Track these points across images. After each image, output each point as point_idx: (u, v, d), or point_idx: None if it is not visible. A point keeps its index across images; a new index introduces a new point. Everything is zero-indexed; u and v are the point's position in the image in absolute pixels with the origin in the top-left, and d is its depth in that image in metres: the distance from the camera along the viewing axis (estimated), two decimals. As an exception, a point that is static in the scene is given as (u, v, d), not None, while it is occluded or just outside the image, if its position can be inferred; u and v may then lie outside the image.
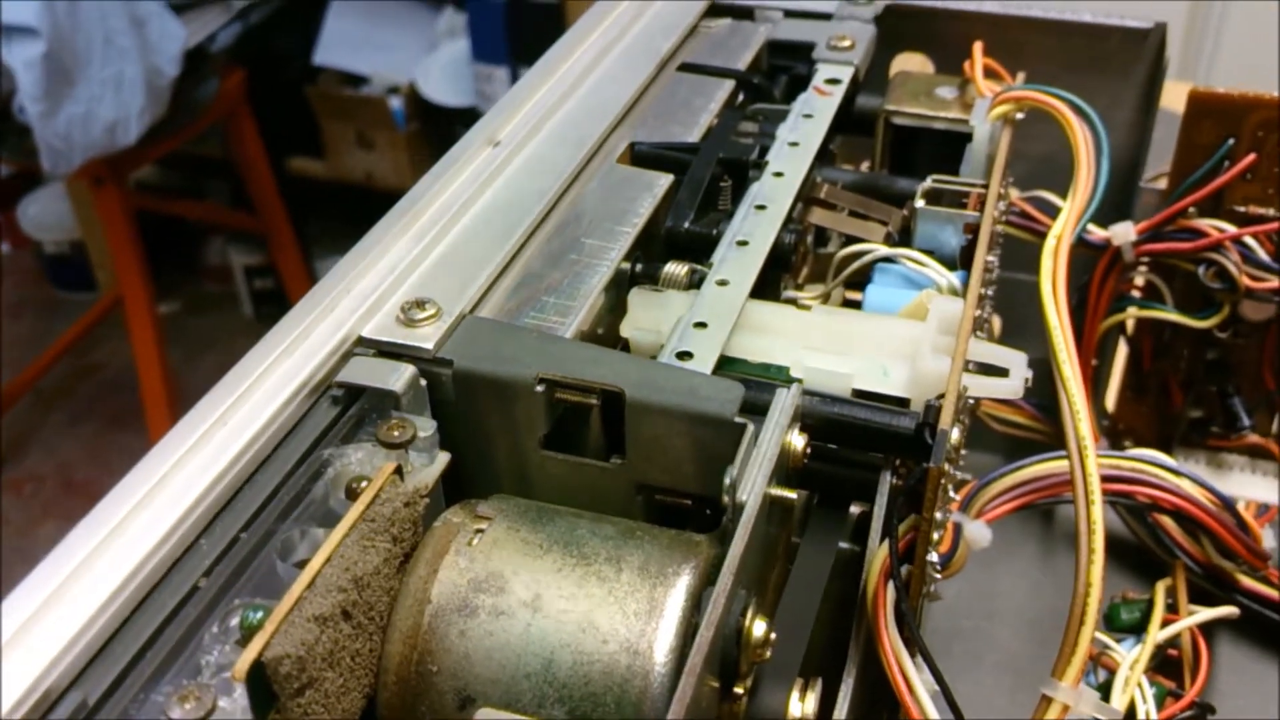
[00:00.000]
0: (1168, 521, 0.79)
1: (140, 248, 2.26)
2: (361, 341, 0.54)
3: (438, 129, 2.71)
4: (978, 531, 0.67)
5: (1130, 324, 0.85)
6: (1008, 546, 0.90)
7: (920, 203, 0.67)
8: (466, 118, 2.61)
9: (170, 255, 2.82)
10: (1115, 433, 0.91)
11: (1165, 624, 0.73)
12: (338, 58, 2.69)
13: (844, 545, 0.59)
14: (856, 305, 0.67)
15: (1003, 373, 0.58)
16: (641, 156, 0.69)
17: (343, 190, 2.82)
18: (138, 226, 2.27)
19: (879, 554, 0.53)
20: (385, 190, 2.74)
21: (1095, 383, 0.89)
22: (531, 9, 2.44)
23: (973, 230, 0.66)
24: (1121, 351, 0.89)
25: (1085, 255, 0.79)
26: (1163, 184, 0.82)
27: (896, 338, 0.58)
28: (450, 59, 2.64)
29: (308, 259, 2.76)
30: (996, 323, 0.82)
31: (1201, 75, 2.17)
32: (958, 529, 0.65)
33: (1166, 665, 0.74)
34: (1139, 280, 0.83)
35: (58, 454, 2.56)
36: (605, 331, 0.61)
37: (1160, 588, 0.76)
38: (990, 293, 0.68)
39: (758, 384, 0.54)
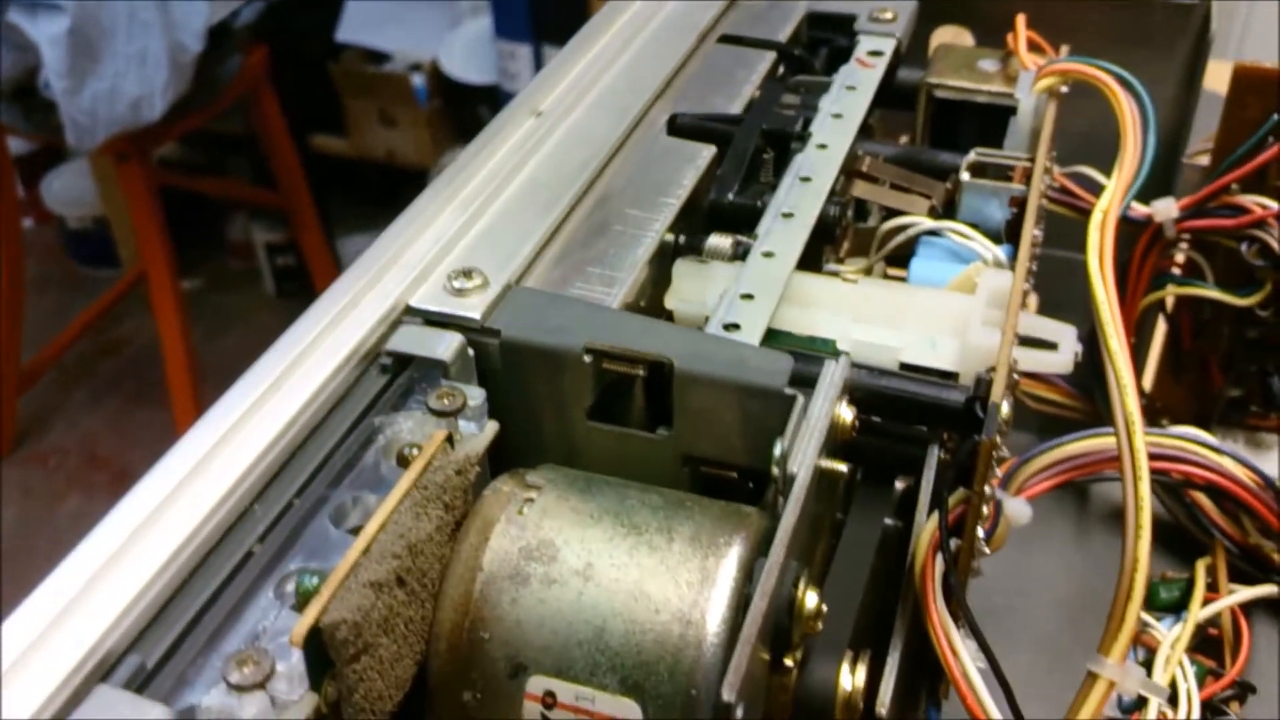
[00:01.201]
0: (1205, 501, 0.79)
1: (163, 224, 2.27)
2: (409, 310, 0.54)
3: (460, 106, 2.70)
4: (1018, 508, 0.66)
5: (1170, 301, 0.85)
6: (1041, 525, 0.89)
7: (965, 176, 0.67)
8: (489, 95, 2.61)
9: (193, 232, 2.82)
10: (1153, 411, 0.91)
11: (1206, 603, 0.73)
12: (360, 34, 2.69)
13: (889, 521, 0.58)
14: (898, 280, 0.66)
15: (1052, 346, 0.58)
16: (683, 128, 0.69)
17: (365, 167, 2.82)
18: (161, 203, 2.27)
19: (928, 527, 0.53)
20: (406, 168, 2.75)
21: (1133, 361, 0.89)
22: (555, -14, 2.44)
23: (1018, 204, 0.66)
24: (1160, 329, 0.89)
25: (1126, 231, 0.78)
26: (1205, 160, 0.82)
27: (944, 311, 0.57)
28: (473, 36, 2.63)
29: (330, 236, 2.76)
30: (1034, 300, 0.81)
31: (1232, 51, 2.16)
32: (998, 506, 0.65)
33: (1206, 644, 0.74)
34: (1179, 257, 0.83)
35: (80, 428, 2.57)
36: (648, 304, 0.61)
37: (1200, 566, 0.75)
38: (1034, 268, 0.68)
39: (804, 356, 0.54)
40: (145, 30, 2.01)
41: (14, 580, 2.21)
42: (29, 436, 2.54)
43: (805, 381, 0.51)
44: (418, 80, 2.65)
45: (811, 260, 0.66)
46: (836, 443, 0.51)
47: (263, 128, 2.48)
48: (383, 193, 2.85)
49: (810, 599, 0.46)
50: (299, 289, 2.84)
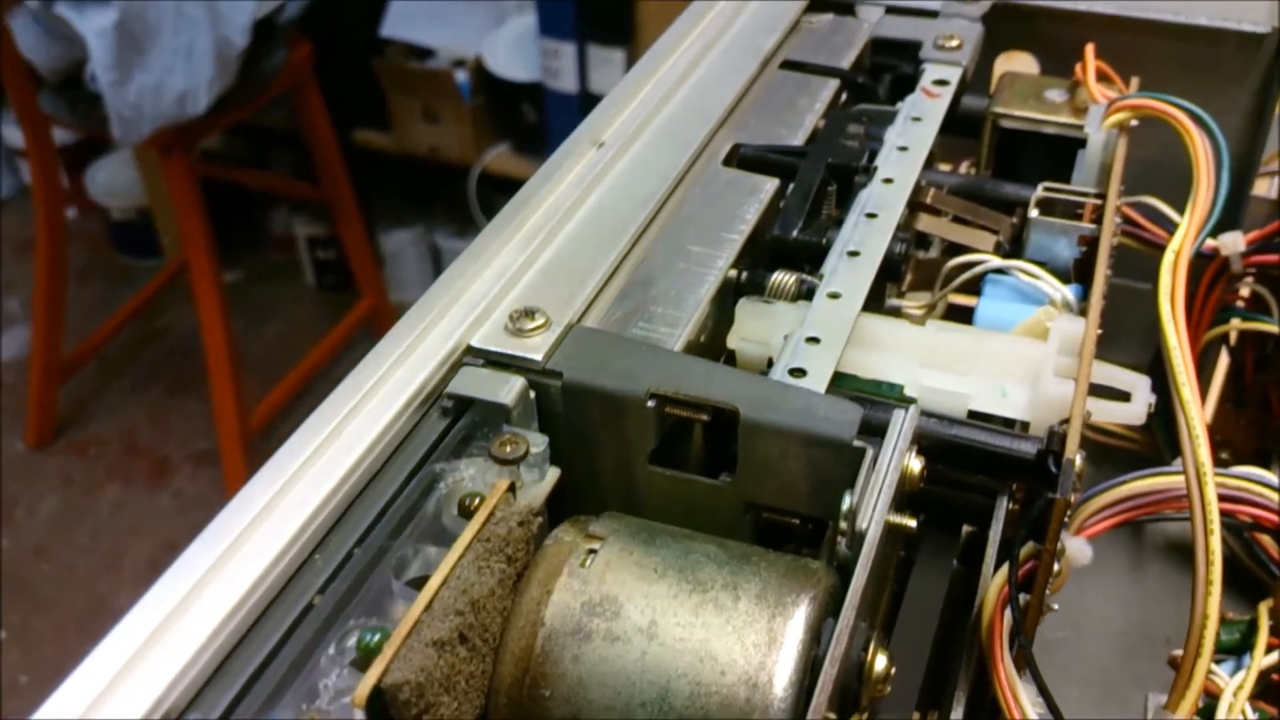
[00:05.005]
0: (1268, 541, 0.77)
1: (206, 216, 2.27)
2: (471, 351, 0.53)
3: (503, 103, 2.69)
4: (1079, 548, 0.65)
5: (1233, 335, 0.83)
6: (1098, 559, 0.88)
7: (1034, 212, 0.66)
8: (532, 92, 2.60)
9: (235, 224, 2.83)
10: (1212, 445, 0.89)
11: (1270, 649, 0.71)
12: (405, 30, 2.68)
13: (954, 564, 0.57)
14: (961, 310, 0.65)
15: (1124, 397, 0.57)
16: (746, 160, 0.68)
17: (407, 163, 2.82)
18: (203, 195, 2.28)
19: (995, 581, 0.52)
20: (449, 164, 2.74)
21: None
22: (599, -16, 2.43)
23: (1088, 243, 0.64)
24: (1223, 363, 0.87)
25: (1191, 264, 0.77)
26: (1273, 193, 0.80)
27: (1016, 358, 0.56)
28: (517, 33, 2.62)
29: (371, 231, 2.76)
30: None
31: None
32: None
33: (1269, 690, 0.72)
34: (1244, 291, 0.81)
35: (121, 418, 2.58)
36: (709, 339, 0.60)
37: (1264, 609, 0.74)
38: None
39: (872, 402, 0.53)
40: (191, 25, 2.01)
41: (54, 568, 2.23)
42: (70, 426, 2.56)
43: (873, 430, 0.50)
44: (461, 77, 2.64)
45: (874, 296, 0.64)
46: (904, 493, 0.50)
47: (306, 122, 2.48)
48: (425, 188, 2.85)
49: (880, 662, 0.45)
50: (339, 282, 2.84)
